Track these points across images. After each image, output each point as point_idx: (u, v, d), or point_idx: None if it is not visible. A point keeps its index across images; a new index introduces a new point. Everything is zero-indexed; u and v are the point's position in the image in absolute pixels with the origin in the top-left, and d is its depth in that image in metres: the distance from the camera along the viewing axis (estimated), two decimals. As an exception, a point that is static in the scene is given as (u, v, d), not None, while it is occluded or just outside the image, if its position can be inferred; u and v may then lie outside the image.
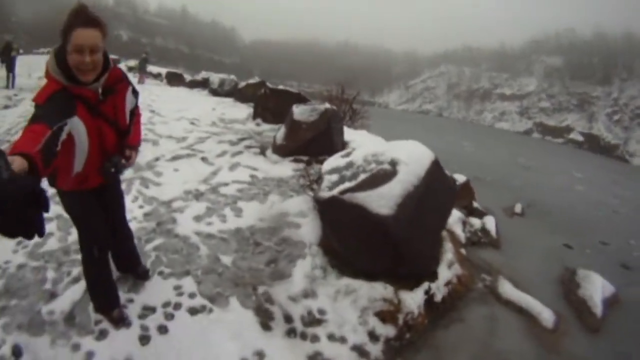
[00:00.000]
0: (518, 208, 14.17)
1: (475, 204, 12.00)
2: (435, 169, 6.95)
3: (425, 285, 6.75)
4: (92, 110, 3.43)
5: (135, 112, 4.08)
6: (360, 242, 6.32)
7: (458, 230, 9.25)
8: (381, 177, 6.31)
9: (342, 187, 6.30)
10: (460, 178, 12.13)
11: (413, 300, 6.42)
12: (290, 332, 5.54)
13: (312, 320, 5.75)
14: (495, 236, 10.54)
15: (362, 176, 6.41)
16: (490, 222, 10.75)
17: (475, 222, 10.48)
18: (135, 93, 3.99)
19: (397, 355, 6.06)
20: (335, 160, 7.49)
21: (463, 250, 8.93)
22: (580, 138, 79.59)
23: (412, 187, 6.23)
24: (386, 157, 6.77)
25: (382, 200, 5.93)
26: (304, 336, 5.54)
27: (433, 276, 7.01)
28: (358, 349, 5.63)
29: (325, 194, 6.45)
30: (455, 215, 9.48)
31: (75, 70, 3.17)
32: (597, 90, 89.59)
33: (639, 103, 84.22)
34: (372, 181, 6.24)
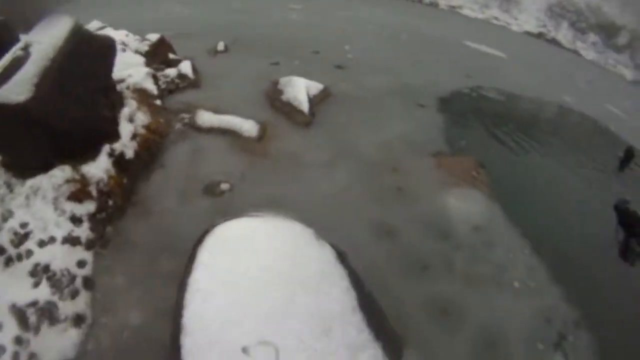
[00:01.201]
0: (221, 46, 14.71)
1: (172, 56, 12.37)
2: (77, 35, 6.96)
3: (106, 148, 7.19)
4: None
5: None
6: (18, 139, 6.29)
7: (149, 85, 9.93)
8: (15, 66, 6.25)
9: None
10: (152, 37, 12.22)
11: (96, 168, 6.89)
12: (8, 261, 5.58)
13: (20, 238, 5.81)
14: (192, 77, 11.36)
15: (-6, 73, 6.17)
16: (186, 67, 11.46)
17: (171, 71, 11.07)
18: None
19: (107, 225, 6.55)
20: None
21: (158, 102, 9.71)
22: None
23: (48, 62, 6.29)
24: (21, 44, 6.53)
25: (18, 88, 5.97)
26: (19, 257, 5.66)
27: (113, 137, 7.39)
28: (68, 240, 6.05)
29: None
30: (142, 72, 10.04)
31: None
32: None
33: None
34: (5, 74, 6.08)
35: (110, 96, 7.88)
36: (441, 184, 9.09)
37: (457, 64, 19.00)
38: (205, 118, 9.40)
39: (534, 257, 8.00)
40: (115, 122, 7.65)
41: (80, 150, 6.86)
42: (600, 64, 31.04)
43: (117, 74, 9.12)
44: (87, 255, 6.09)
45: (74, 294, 5.61)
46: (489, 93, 15.77)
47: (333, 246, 5.65)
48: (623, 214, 9.29)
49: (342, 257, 5.56)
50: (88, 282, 5.84)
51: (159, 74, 10.81)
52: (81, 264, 5.95)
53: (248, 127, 9.44)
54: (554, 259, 8.05)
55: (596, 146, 14.17)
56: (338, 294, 5.26)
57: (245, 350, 4.50)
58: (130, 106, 8.19)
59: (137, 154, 7.66)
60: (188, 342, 4.56)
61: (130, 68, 10.12)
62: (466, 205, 8.69)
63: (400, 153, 9.96)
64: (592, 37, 34.12)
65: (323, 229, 6.32)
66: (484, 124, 13.11)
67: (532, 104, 16.40)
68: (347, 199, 8.08)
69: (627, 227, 9.11)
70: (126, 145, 7.52)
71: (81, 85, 6.87)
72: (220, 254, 5.20)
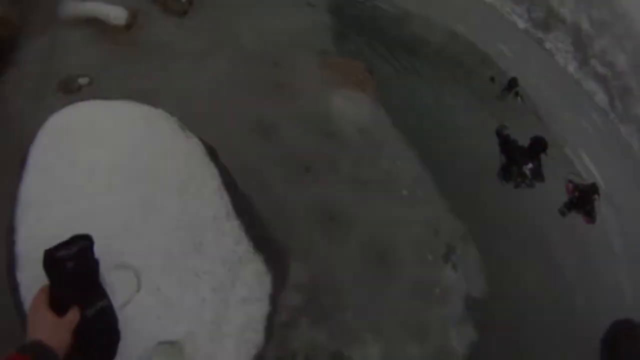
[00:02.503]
0: None
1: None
2: None
3: None
4: None
5: None
6: None
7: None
8: None
9: None
10: None
11: None
12: None
13: None
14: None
15: None
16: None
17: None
18: None
19: None
20: None
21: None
22: None
23: None
24: None
25: None
26: None
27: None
28: None
29: None
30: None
31: None
32: None
33: None
34: None
35: None
36: (326, 83, 8.73)
37: (353, -28, 18.09)
38: (67, 7, 8.07)
39: (421, 166, 8.11)
40: None
41: None
42: (496, 8, 31.38)
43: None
44: None
45: None
46: (383, 4, 15.30)
47: (201, 140, 4.98)
48: (503, 140, 9.66)
49: (212, 153, 4.90)
50: None
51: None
52: None
53: (115, 14, 8.24)
54: (439, 170, 8.23)
55: (482, 75, 14.50)
56: (209, 196, 4.21)
57: (97, 278, 3.56)
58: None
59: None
60: (25, 278, 3.01)
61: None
62: (352, 106, 8.50)
63: (284, 48, 9.31)
64: (495, -16, 34.27)
65: (194, 124, 5.74)
66: (374, 33, 12.75)
67: (425, 24, 15.92)
68: (223, 93, 7.46)
69: (507, 154, 9.54)
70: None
71: None
72: (55, 151, 3.96)
